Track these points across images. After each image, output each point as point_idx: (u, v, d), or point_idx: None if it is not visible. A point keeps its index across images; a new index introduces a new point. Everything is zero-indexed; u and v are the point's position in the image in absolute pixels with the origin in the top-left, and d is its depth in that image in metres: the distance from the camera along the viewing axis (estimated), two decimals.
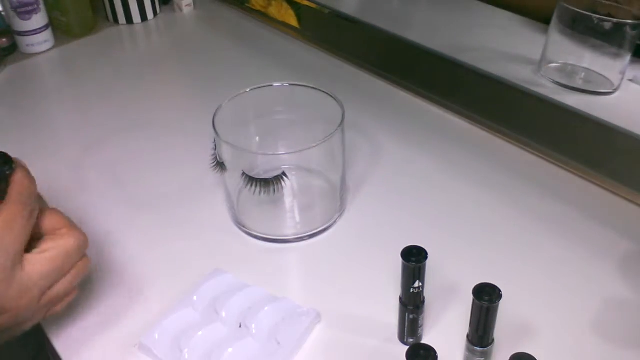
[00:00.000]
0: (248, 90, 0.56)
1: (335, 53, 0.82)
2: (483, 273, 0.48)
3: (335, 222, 0.56)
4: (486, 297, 0.37)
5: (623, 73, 0.63)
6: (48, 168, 0.64)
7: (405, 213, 0.57)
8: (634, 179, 0.56)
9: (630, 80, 0.64)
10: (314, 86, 0.55)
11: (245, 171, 0.50)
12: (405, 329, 0.44)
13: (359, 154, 0.64)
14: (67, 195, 0.61)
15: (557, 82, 0.65)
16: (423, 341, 0.45)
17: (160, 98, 0.77)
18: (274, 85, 0.57)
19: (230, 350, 0.43)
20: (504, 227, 0.55)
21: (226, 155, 0.51)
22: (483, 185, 0.60)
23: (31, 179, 0.39)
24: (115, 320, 0.48)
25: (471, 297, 0.38)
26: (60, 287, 0.39)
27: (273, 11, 0.90)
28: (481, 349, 0.41)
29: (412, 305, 0.42)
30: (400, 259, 0.39)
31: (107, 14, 0.95)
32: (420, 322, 0.43)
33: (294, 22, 0.87)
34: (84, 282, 0.51)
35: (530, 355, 0.35)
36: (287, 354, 0.43)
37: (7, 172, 0.38)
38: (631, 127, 0.56)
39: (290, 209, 0.55)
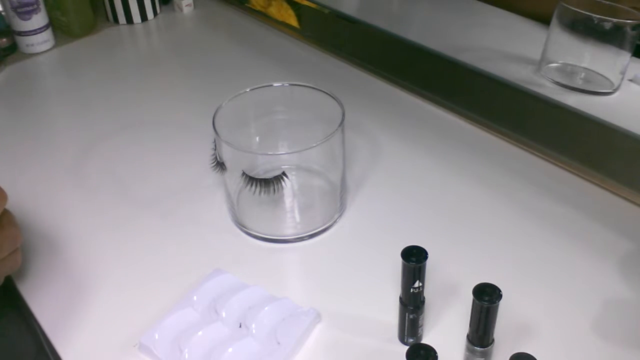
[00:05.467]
0: (248, 90, 0.56)
1: (335, 53, 0.82)
2: (483, 273, 0.48)
3: (335, 222, 0.56)
4: (486, 297, 0.37)
5: (623, 73, 0.63)
6: (47, 168, 0.65)
7: (405, 213, 0.57)
8: (634, 179, 0.56)
9: (630, 80, 0.64)
10: (314, 86, 0.55)
11: (245, 171, 0.50)
12: (405, 329, 0.44)
13: (359, 154, 0.64)
14: (67, 194, 0.61)
15: (557, 82, 0.65)
16: (423, 341, 0.45)
17: (160, 98, 0.77)
18: (274, 85, 0.57)
19: (230, 350, 0.43)
20: (503, 227, 0.55)
21: (226, 155, 0.51)
22: (483, 185, 0.60)
23: None
24: (115, 320, 0.48)
25: (471, 297, 0.38)
26: None
27: (273, 11, 0.90)
28: (481, 349, 0.41)
29: (412, 305, 0.42)
30: (400, 259, 0.39)
31: (107, 14, 0.95)
32: (420, 322, 0.43)
33: (294, 22, 0.87)
34: (84, 282, 0.51)
35: (530, 355, 0.35)
36: (287, 354, 0.43)
37: None
38: (631, 127, 0.56)
39: (290, 209, 0.55)
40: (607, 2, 0.62)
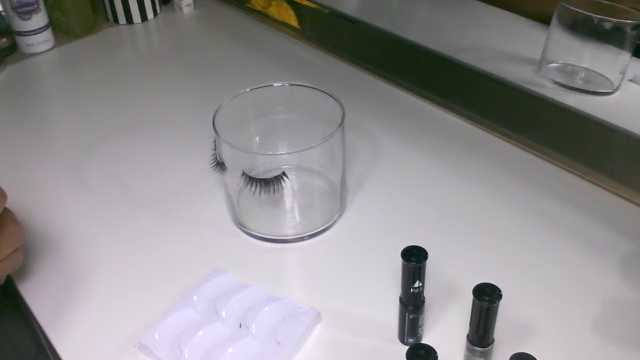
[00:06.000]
0: (248, 90, 0.56)
1: (335, 53, 0.82)
2: (483, 273, 0.48)
3: (335, 222, 0.56)
4: (486, 297, 0.37)
5: (623, 73, 0.63)
6: (48, 168, 0.65)
7: (405, 213, 0.57)
8: (634, 179, 0.56)
9: (630, 80, 0.64)
10: (314, 86, 0.55)
11: (245, 171, 0.50)
12: (405, 329, 0.44)
13: (359, 154, 0.64)
14: (67, 194, 0.61)
15: (557, 82, 0.65)
16: (423, 341, 0.45)
17: (160, 98, 0.77)
18: (274, 85, 0.57)
19: (230, 350, 0.43)
20: (503, 227, 0.55)
21: (226, 155, 0.51)
22: (483, 185, 0.60)
23: None
24: (115, 320, 0.48)
25: (471, 297, 0.38)
26: None
27: (273, 11, 0.90)
28: (481, 349, 0.41)
29: (412, 305, 0.42)
30: (400, 259, 0.39)
31: (107, 14, 0.95)
32: (420, 322, 0.43)
33: (294, 22, 0.87)
34: (84, 282, 0.51)
35: (530, 355, 0.35)
36: (287, 354, 0.43)
37: None
38: (631, 127, 0.56)
39: (290, 209, 0.55)
40: (607, 2, 0.62)
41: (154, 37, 0.93)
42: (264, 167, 0.53)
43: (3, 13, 0.84)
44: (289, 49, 0.86)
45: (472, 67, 0.67)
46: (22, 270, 0.52)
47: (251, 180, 0.50)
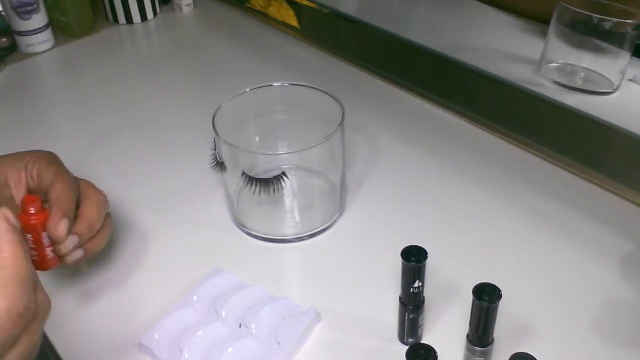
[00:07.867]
0: (248, 90, 0.56)
1: (335, 53, 0.82)
2: (483, 273, 0.48)
3: (335, 222, 0.56)
4: (486, 297, 0.37)
5: (623, 73, 0.63)
6: None
7: (405, 213, 0.57)
8: (634, 179, 0.56)
9: (630, 80, 0.64)
10: (314, 86, 0.55)
11: (245, 171, 0.50)
12: (405, 329, 0.44)
13: (359, 154, 0.64)
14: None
15: (557, 82, 0.65)
16: (423, 341, 0.45)
17: (160, 98, 0.77)
18: (274, 85, 0.57)
19: (230, 350, 0.43)
20: (504, 227, 0.55)
21: (226, 155, 0.51)
22: (483, 185, 0.60)
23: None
24: (115, 320, 0.48)
25: (471, 297, 0.38)
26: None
27: (273, 11, 0.90)
28: (481, 349, 0.41)
29: (412, 305, 0.42)
30: (400, 259, 0.39)
31: (107, 14, 0.95)
32: (420, 322, 0.43)
33: (294, 22, 0.87)
34: (85, 282, 0.51)
35: (530, 355, 0.35)
36: (287, 354, 0.43)
37: None
38: (631, 127, 0.56)
39: (290, 209, 0.55)
40: (607, 2, 0.62)
41: (154, 37, 0.93)
42: (264, 167, 0.53)
43: (3, 13, 0.84)
44: (289, 49, 0.86)
45: (472, 67, 0.67)
46: None
47: (251, 180, 0.50)
